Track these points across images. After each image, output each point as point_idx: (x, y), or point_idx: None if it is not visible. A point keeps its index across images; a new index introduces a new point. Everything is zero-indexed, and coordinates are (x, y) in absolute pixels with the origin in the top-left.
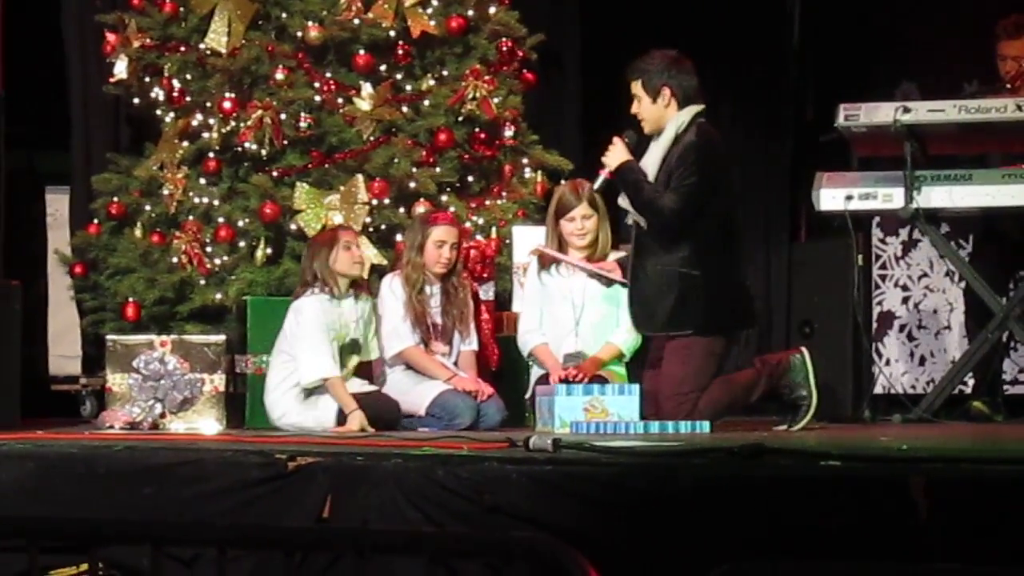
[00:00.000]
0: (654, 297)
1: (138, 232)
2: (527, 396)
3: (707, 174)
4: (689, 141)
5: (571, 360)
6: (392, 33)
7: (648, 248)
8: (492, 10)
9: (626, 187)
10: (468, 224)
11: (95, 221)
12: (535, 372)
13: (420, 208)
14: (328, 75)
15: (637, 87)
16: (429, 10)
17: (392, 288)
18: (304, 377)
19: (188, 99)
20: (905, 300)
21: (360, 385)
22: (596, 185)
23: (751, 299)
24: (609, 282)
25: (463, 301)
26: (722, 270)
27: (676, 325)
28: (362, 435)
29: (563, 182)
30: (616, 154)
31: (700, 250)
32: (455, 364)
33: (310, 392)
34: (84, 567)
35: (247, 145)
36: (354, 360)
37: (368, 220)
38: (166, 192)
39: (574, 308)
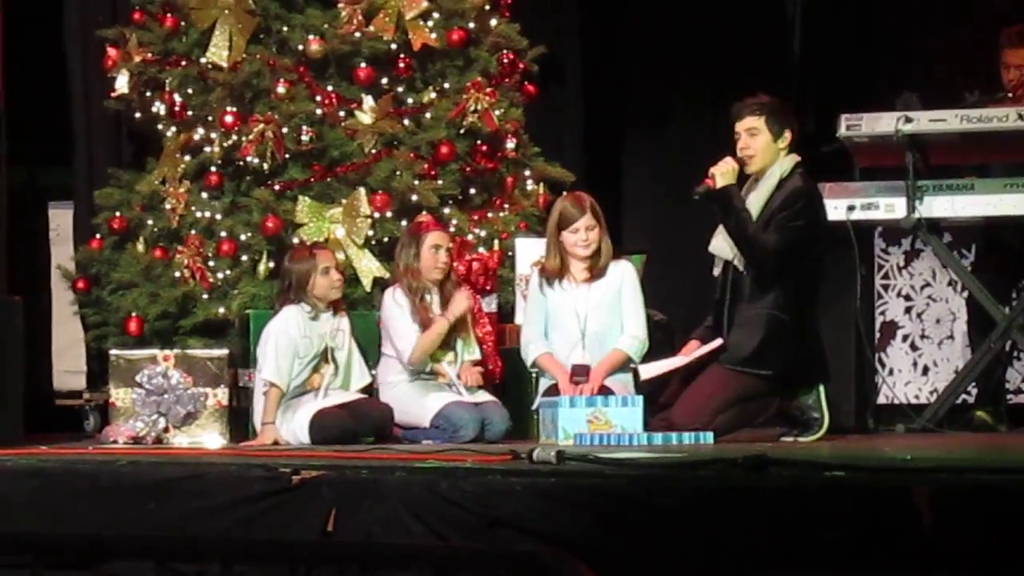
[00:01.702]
0: (742, 336)
1: (140, 247)
2: (534, 407)
3: (811, 221)
4: (796, 187)
5: (579, 372)
6: (393, 46)
7: (740, 292)
8: (493, 22)
9: (727, 214)
10: (470, 236)
11: (97, 236)
12: (543, 383)
13: (422, 219)
14: (329, 88)
15: (759, 122)
16: (430, 23)
17: (396, 299)
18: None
19: (189, 113)
20: (908, 310)
21: (344, 395)
22: (698, 191)
23: (826, 354)
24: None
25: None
26: (808, 319)
27: (757, 363)
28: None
29: (564, 194)
30: (727, 174)
31: (790, 296)
32: (458, 375)
33: (286, 407)
34: None
35: (249, 159)
36: (327, 368)
37: (370, 233)
38: (168, 207)
39: (578, 319)
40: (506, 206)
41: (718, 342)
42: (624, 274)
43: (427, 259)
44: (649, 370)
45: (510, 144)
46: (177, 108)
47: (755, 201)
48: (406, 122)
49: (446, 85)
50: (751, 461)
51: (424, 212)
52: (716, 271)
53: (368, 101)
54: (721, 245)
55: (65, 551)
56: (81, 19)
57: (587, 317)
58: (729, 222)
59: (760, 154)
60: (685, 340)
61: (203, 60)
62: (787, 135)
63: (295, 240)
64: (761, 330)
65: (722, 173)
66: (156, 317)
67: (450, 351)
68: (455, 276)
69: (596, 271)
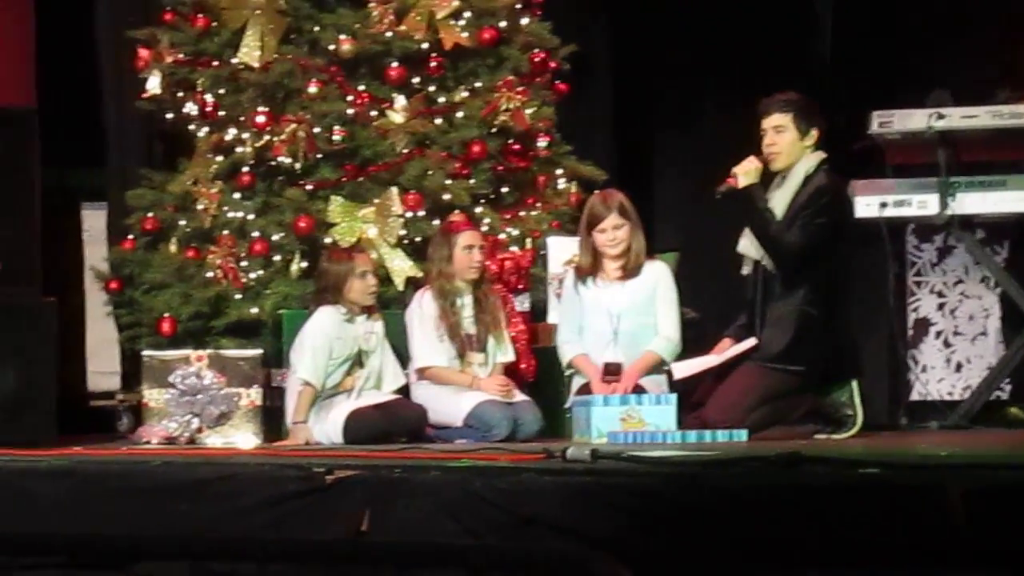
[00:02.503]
0: (774, 333)
1: (173, 247)
2: (567, 405)
3: (835, 218)
4: (820, 184)
5: (610, 368)
6: (424, 45)
7: (771, 290)
8: (524, 21)
9: (751, 213)
10: (502, 235)
11: (130, 237)
12: (576, 382)
13: (456, 218)
14: (361, 88)
15: (785, 119)
16: (461, 22)
17: (422, 304)
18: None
19: (221, 113)
20: (941, 306)
21: (378, 396)
22: (721, 191)
23: (858, 350)
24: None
25: (494, 307)
26: (837, 315)
27: (788, 359)
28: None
29: (595, 193)
30: (750, 173)
31: (819, 291)
32: (491, 375)
33: (319, 407)
34: None
35: (280, 159)
36: (360, 371)
37: (402, 232)
38: (200, 207)
39: (611, 318)
40: (538, 205)
41: (751, 342)
42: (659, 274)
43: (461, 260)
44: (682, 369)
45: (542, 143)
46: (209, 108)
47: (780, 199)
48: (438, 121)
49: (477, 84)
50: (784, 459)
51: (456, 211)
52: (745, 270)
53: (400, 100)
54: (748, 245)
55: (99, 551)
56: (112, 20)
57: (620, 316)
58: (752, 221)
59: (786, 151)
60: (718, 338)
61: (234, 60)
62: (814, 133)
63: (327, 240)
64: (792, 327)
65: (745, 172)
66: (189, 317)
67: (481, 353)
68: (489, 275)
69: (629, 270)
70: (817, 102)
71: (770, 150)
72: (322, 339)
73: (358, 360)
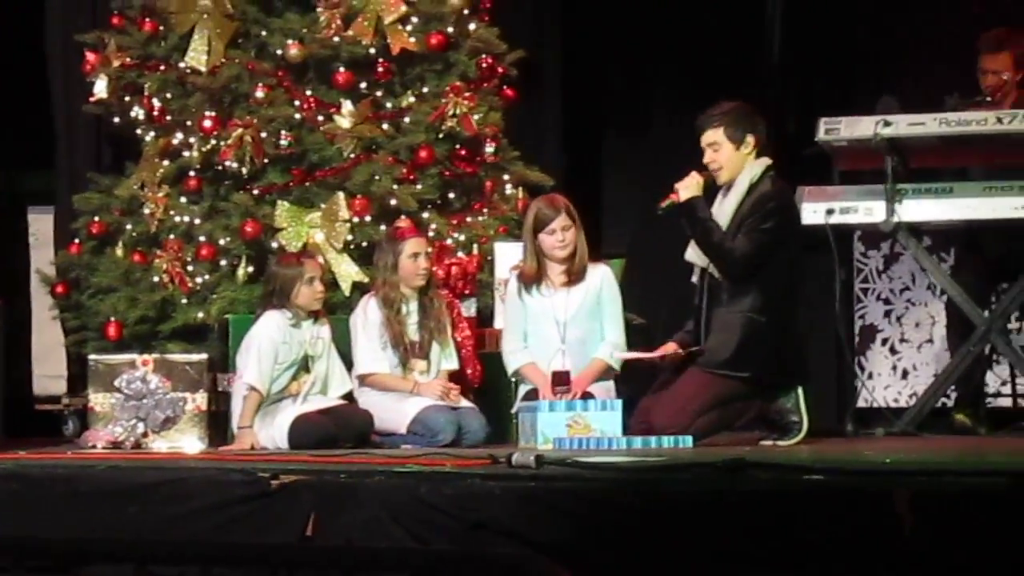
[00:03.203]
0: (720, 340)
1: (120, 251)
2: (513, 411)
3: (780, 224)
4: (765, 190)
5: (559, 378)
6: (372, 50)
7: (717, 297)
8: (472, 27)
9: (693, 224)
10: (449, 241)
11: (76, 240)
12: (522, 387)
13: (402, 224)
14: (308, 93)
15: (717, 135)
16: (409, 27)
17: (367, 310)
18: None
19: (169, 118)
20: (887, 314)
21: (324, 401)
22: (663, 207)
23: (806, 356)
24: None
25: (439, 313)
26: (786, 320)
27: (735, 366)
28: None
29: (537, 198)
30: (691, 187)
31: (766, 298)
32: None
33: (265, 412)
34: None
35: (228, 163)
36: (305, 376)
37: (349, 237)
38: (147, 211)
39: (558, 326)
40: (485, 210)
41: (696, 349)
42: (603, 278)
43: (406, 267)
44: (625, 354)
45: (489, 148)
46: (156, 112)
47: (727, 208)
48: (385, 126)
49: (425, 89)
50: (730, 464)
51: (403, 216)
52: (695, 278)
53: (347, 105)
54: (694, 254)
55: (45, 555)
56: (62, 23)
57: (567, 324)
58: (695, 232)
59: (726, 165)
60: (664, 343)
61: (182, 64)
62: (750, 140)
63: (274, 244)
64: (738, 333)
65: (686, 187)
66: (135, 321)
67: (424, 360)
68: (436, 280)
69: (574, 274)
70: (751, 106)
71: (712, 167)
72: (268, 344)
73: (304, 365)
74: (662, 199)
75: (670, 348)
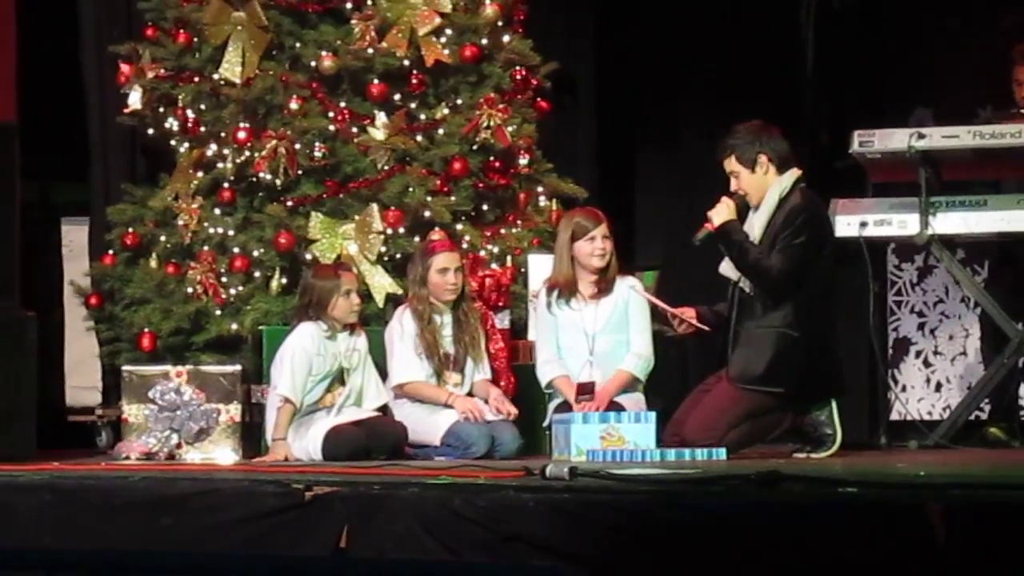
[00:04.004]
0: (754, 355)
1: (153, 262)
2: (545, 424)
3: (813, 236)
4: (795, 204)
5: (584, 388)
6: (406, 62)
7: (750, 310)
8: (506, 38)
9: (729, 248)
10: (483, 253)
11: (110, 252)
12: (554, 400)
13: (433, 236)
14: (342, 104)
15: (732, 163)
16: (443, 39)
17: (402, 320)
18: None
19: (202, 129)
20: (921, 326)
21: (358, 412)
22: (698, 238)
23: (842, 369)
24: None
25: (474, 327)
26: (821, 333)
27: (770, 381)
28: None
29: (572, 210)
30: (722, 212)
31: (801, 312)
32: (469, 394)
33: (299, 424)
34: None
35: (262, 175)
36: (340, 388)
37: (383, 249)
38: (181, 222)
39: (586, 337)
40: (519, 222)
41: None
42: (630, 290)
43: (436, 282)
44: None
45: (523, 160)
46: (190, 124)
47: (758, 224)
48: (419, 138)
49: (459, 101)
50: (764, 477)
51: (436, 228)
52: (730, 291)
53: (381, 117)
54: (728, 268)
55: (78, 567)
56: (97, 34)
57: (595, 336)
58: (732, 255)
59: (749, 189)
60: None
61: (216, 76)
62: (763, 159)
63: (308, 256)
64: (771, 348)
65: (718, 213)
66: (169, 333)
67: (458, 373)
68: (470, 293)
69: (604, 285)
70: (761, 124)
71: (739, 192)
72: (301, 355)
73: (339, 377)
74: (697, 229)
75: (689, 312)
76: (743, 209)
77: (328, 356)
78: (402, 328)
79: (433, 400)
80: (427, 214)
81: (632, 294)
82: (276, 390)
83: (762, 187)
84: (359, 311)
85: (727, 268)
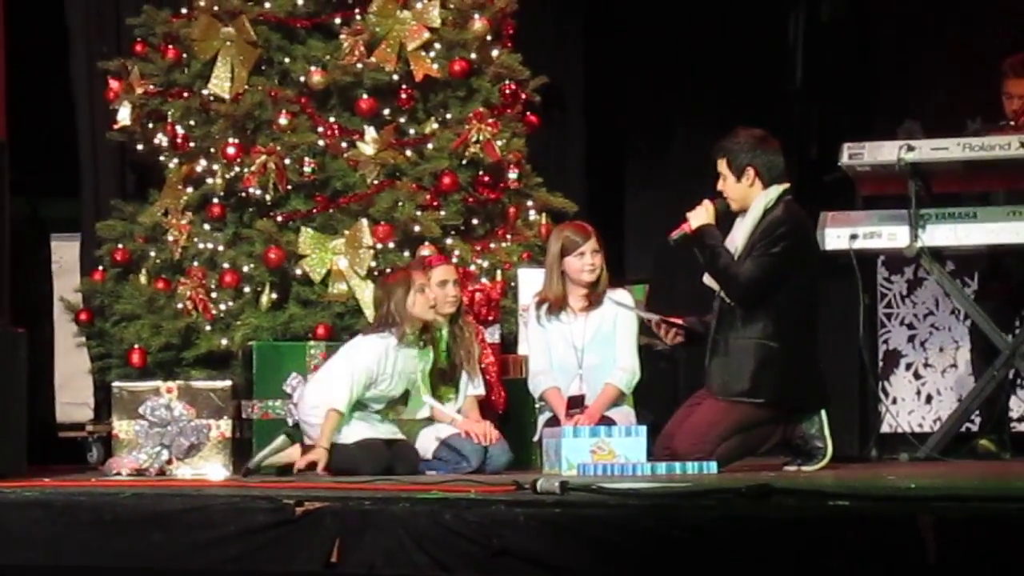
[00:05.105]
0: (734, 367)
1: (143, 278)
2: (535, 439)
3: (789, 248)
4: (777, 216)
5: (574, 402)
6: (395, 77)
7: (730, 322)
8: (495, 53)
9: (703, 250)
10: (473, 267)
11: (100, 268)
12: (544, 414)
13: (425, 251)
14: (331, 119)
15: (722, 165)
16: (432, 53)
17: None
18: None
19: (192, 145)
20: (911, 338)
21: (394, 432)
22: (674, 237)
23: (825, 379)
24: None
25: (469, 342)
26: (800, 345)
27: (751, 393)
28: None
29: (562, 224)
30: (701, 215)
31: (779, 323)
32: (459, 410)
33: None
34: None
35: (251, 190)
36: (401, 410)
37: (373, 264)
38: (171, 238)
39: (576, 351)
40: (509, 236)
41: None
42: (620, 303)
43: (436, 295)
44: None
45: (512, 174)
46: (179, 140)
47: (741, 233)
48: (408, 153)
49: (448, 116)
50: (755, 490)
51: (426, 243)
52: (715, 304)
53: (370, 132)
54: (710, 279)
55: None
56: (87, 50)
57: (584, 350)
58: (704, 259)
59: (731, 195)
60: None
61: (205, 92)
62: (750, 172)
63: (297, 271)
64: (751, 360)
65: (696, 216)
66: (159, 349)
67: (452, 388)
68: (465, 307)
69: (594, 299)
70: (762, 136)
71: (724, 194)
72: (363, 372)
73: (403, 400)
74: (673, 229)
75: (675, 321)
76: (722, 213)
77: (395, 375)
78: None
79: (436, 418)
80: (417, 229)
81: (620, 308)
82: (330, 397)
83: (744, 197)
84: (435, 307)
85: (709, 279)
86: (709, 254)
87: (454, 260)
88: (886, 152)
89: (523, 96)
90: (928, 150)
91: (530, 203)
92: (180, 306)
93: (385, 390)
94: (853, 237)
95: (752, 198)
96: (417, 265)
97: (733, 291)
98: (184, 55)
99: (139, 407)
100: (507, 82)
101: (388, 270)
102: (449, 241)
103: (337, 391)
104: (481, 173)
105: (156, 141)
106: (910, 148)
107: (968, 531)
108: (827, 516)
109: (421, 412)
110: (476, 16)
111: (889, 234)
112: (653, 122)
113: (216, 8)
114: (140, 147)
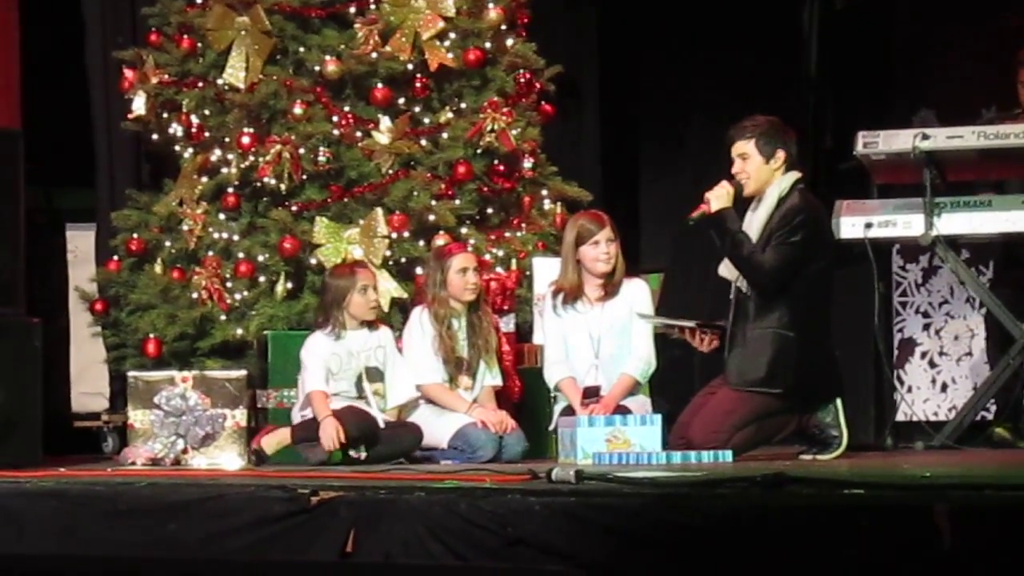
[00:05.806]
0: (750, 356)
1: (158, 268)
2: (551, 428)
3: (808, 237)
4: (793, 204)
5: (590, 394)
6: (410, 66)
7: (747, 313)
8: (510, 42)
9: (723, 236)
10: (488, 256)
11: (115, 257)
12: (559, 403)
13: (439, 241)
14: (346, 109)
15: (748, 146)
16: (447, 43)
17: (422, 322)
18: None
19: (207, 135)
20: (926, 327)
21: (381, 414)
22: (693, 218)
23: (840, 368)
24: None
25: (487, 331)
26: (816, 334)
27: (767, 383)
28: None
29: (578, 213)
30: (722, 198)
31: (796, 313)
32: (475, 399)
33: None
34: None
35: (266, 180)
36: (379, 387)
37: (388, 253)
38: (186, 228)
39: (592, 341)
40: (523, 226)
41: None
42: (636, 293)
43: (456, 282)
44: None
45: (527, 163)
46: (194, 129)
47: (755, 222)
48: (423, 142)
49: (463, 105)
50: (770, 479)
51: (441, 232)
52: (732, 295)
53: (385, 121)
54: (726, 269)
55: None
56: (102, 41)
57: (600, 339)
58: (724, 244)
59: (753, 177)
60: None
61: (220, 81)
62: (779, 155)
63: (312, 261)
64: (768, 350)
65: (716, 197)
66: (174, 338)
67: (469, 377)
68: (483, 300)
69: (610, 288)
70: (782, 123)
71: (739, 177)
72: (315, 359)
73: (369, 376)
74: (692, 210)
75: (718, 324)
76: (738, 197)
77: (342, 353)
78: (422, 329)
79: (451, 407)
80: (432, 218)
81: (637, 298)
82: (305, 391)
83: (764, 180)
84: (376, 308)
85: (725, 269)
86: (731, 241)
87: (468, 249)
88: (901, 141)
89: (538, 85)
90: (943, 139)
91: (545, 192)
92: (195, 296)
93: (345, 368)
94: (868, 226)
95: (772, 182)
96: (361, 265)
97: (757, 280)
98: (199, 45)
99: (154, 397)
100: (522, 71)
101: (403, 259)
102: (464, 230)
103: (308, 383)
104: (496, 162)
105: (171, 131)
106: (925, 137)
107: (983, 520)
108: (842, 505)
109: (400, 398)
110: (491, 5)
111: (904, 223)
112: (668, 111)
113: None
114: (155, 137)
